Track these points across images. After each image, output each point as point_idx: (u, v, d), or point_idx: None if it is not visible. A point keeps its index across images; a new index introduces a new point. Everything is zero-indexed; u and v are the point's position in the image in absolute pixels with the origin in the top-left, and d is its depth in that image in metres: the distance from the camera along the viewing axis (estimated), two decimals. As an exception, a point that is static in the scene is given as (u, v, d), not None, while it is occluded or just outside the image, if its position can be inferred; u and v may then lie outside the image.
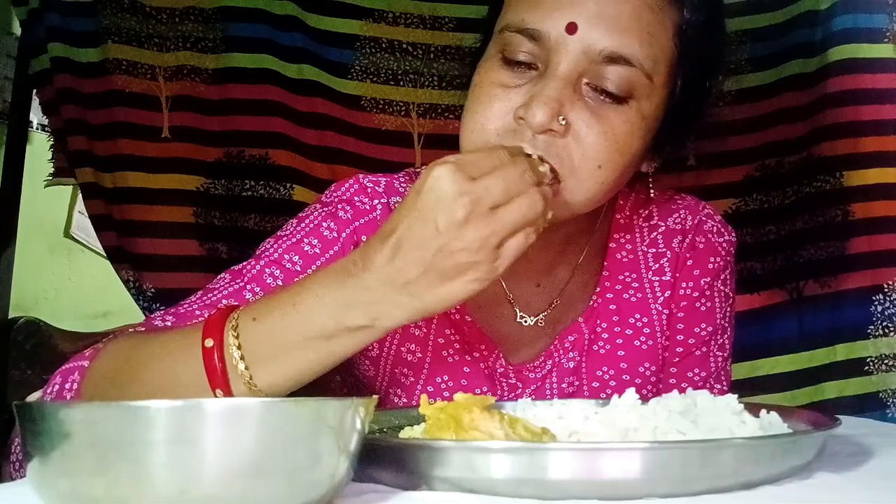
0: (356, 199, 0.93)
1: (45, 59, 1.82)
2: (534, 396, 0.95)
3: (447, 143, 1.92)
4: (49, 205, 2.83)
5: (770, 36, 1.96)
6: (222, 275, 0.89)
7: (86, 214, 2.00)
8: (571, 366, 0.96)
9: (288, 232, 0.91)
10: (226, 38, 1.91)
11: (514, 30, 0.80)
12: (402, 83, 1.97)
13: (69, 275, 3.01)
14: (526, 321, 0.95)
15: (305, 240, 0.89)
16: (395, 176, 0.98)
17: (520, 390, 0.96)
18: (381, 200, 0.93)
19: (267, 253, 0.89)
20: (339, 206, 0.92)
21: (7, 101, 2.03)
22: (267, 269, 0.87)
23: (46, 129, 1.99)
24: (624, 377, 0.97)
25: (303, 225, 0.91)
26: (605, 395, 0.94)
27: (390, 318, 0.68)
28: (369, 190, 0.94)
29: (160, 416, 0.42)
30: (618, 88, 0.78)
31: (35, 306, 2.54)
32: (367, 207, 0.93)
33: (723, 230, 1.02)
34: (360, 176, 0.96)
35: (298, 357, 0.69)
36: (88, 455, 0.42)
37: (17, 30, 2.05)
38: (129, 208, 1.86)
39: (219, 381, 0.69)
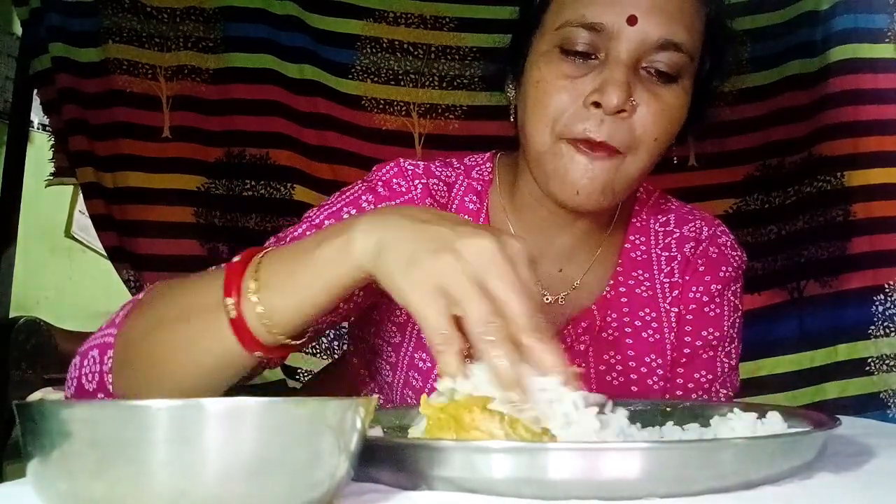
0: (394, 181, 0.98)
1: (45, 58, 1.82)
2: None
3: (448, 143, 1.95)
4: (50, 205, 2.82)
5: (771, 36, 1.96)
6: (269, 240, 0.94)
7: (86, 214, 2.01)
8: (581, 348, 1.00)
9: (330, 201, 0.97)
10: (226, 38, 1.91)
11: (576, 24, 0.88)
12: (402, 83, 1.97)
13: (70, 275, 3.00)
14: (548, 298, 1.00)
15: (345, 209, 0.95)
16: (432, 161, 1.05)
17: None
18: (421, 181, 0.99)
19: (309, 218, 0.95)
20: (379, 184, 0.98)
21: (8, 101, 2.03)
22: (308, 233, 0.91)
23: (47, 128, 2.00)
24: (630, 364, 1.01)
25: (344, 196, 0.97)
26: (610, 379, 0.99)
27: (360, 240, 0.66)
28: (409, 172, 0.99)
29: (160, 415, 0.42)
30: (669, 69, 0.89)
31: (36, 306, 2.53)
32: (404, 189, 0.98)
33: (737, 246, 1.08)
34: (401, 160, 1.01)
35: (303, 275, 0.69)
36: (88, 455, 0.42)
37: (18, 30, 2.05)
38: (129, 208, 1.86)
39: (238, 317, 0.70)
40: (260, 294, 0.69)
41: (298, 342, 0.73)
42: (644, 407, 0.76)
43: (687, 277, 1.04)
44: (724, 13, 0.98)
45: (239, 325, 0.70)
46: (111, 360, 0.78)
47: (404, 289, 0.63)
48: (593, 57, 0.89)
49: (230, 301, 0.69)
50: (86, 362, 0.80)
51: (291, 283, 0.69)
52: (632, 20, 0.86)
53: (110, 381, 0.78)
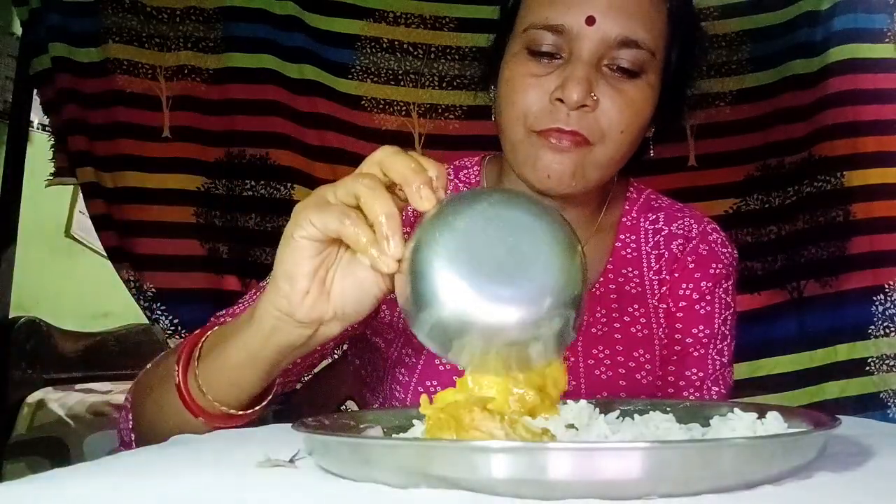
0: None
1: (45, 58, 1.82)
2: None
3: (447, 143, 1.95)
4: (50, 205, 2.83)
5: (771, 36, 1.96)
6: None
7: (86, 214, 2.01)
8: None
9: None
10: (226, 38, 1.91)
11: (540, 27, 0.93)
12: (402, 83, 1.97)
13: (70, 275, 3.01)
14: None
15: None
16: None
17: None
18: None
19: None
20: None
21: (8, 101, 2.03)
22: None
23: (47, 128, 2.00)
24: (619, 358, 1.02)
25: None
26: (599, 373, 1.00)
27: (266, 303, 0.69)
28: None
29: None
30: (631, 66, 0.92)
31: (36, 306, 2.53)
32: None
33: (728, 243, 1.09)
34: None
35: (232, 348, 0.73)
36: None
37: (18, 30, 2.05)
38: (129, 208, 1.86)
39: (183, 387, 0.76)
40: (200, 363, 0.75)
41: (247, 412, 0.77)
42: (644, 407, 0.76)
43: (676, 275, 1.05)
44: (686, 4, 1.00)
45: (182, 392, 0.75)
46: (132, 421, 0.86)
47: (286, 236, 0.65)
48: (558, 56, 0.93)
49: (175, 368, 0.76)
50: (120, 416, 0.87)
51: (222, 356, 0.73)
52: (590, 21, 0.90)
53: (133, 438, 0.85)
